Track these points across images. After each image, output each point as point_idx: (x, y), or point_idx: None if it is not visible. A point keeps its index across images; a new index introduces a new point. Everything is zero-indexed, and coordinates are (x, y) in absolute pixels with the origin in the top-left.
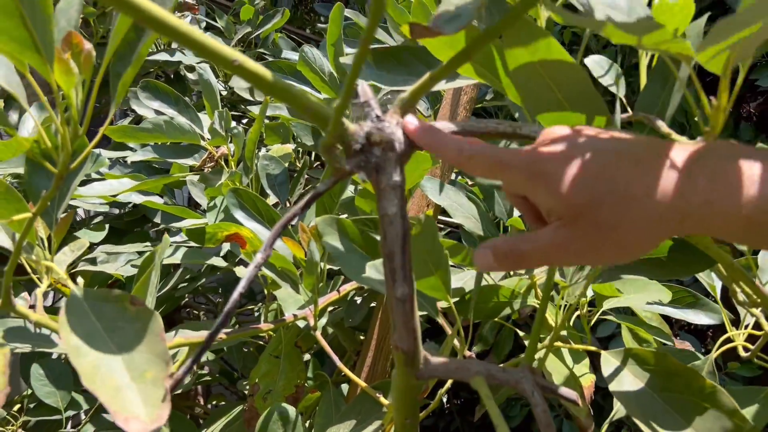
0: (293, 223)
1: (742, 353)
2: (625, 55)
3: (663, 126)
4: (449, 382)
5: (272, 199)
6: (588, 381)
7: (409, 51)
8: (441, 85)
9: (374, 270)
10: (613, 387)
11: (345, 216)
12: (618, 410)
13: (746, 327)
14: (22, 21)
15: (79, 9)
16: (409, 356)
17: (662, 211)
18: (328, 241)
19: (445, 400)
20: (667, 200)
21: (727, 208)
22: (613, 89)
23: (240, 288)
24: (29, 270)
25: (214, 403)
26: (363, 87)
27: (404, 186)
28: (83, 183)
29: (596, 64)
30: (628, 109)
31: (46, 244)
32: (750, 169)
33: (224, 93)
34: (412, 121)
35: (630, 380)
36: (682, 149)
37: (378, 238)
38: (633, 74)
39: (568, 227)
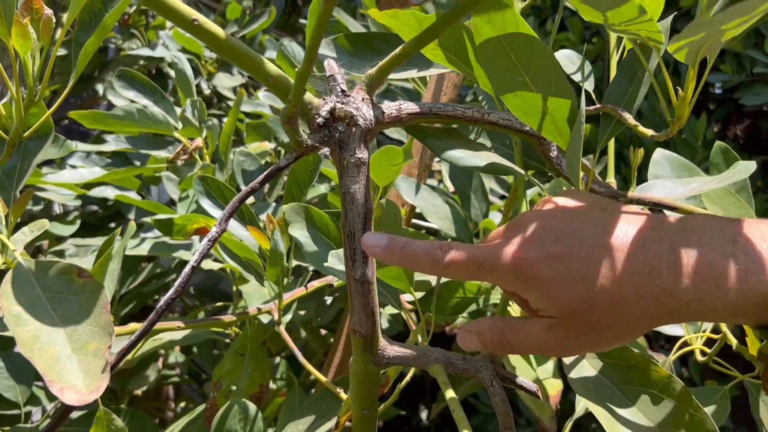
0: (262, 216)
1: (699, 357)
2: (598, 57)
3: (629, 118)
4: (409, 375)
5: (249, 199)
6: (555, 389)
7: (382, 37)
8: (413, 73)
9: (336, 258)
10: (572, 378)
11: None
12: (580, 410)
13: (704, 331)
14: None
15: None
16: (367, 341)
17: (654, 309)
18: (295, 229)
19: (424, 416)
20: (658, 300)
21: (715, 303)
22: (587, 85)
23: (193, 261)
24: None
25: (182, 404)
26: (329, 62)
27: (368, 164)
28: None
29: (566, 58)
30: (596, 101)
31: (3, 221)
32: (733, 261)
33: (207, 92)
34: (374, 243)
35: (589, 372)
36: (665, 235)
37: None
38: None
39: (562, 327)
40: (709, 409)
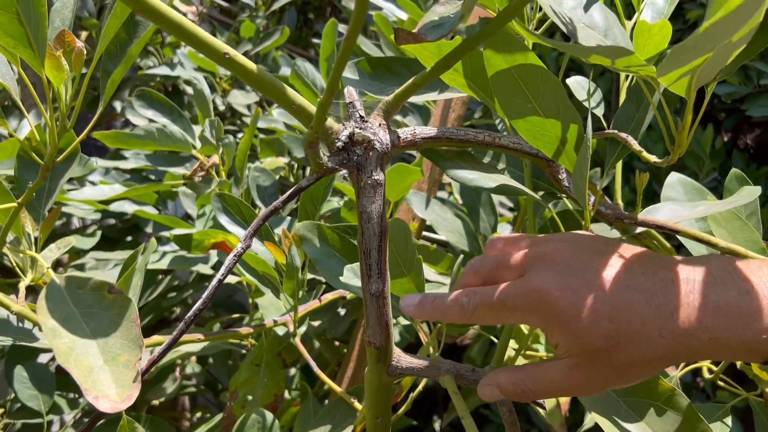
0: (278, 230)
1: (707, 375)
2: (612, 81)
3: (634, 143)
4: (421, 385)
5: (263, 211)
6: (564, 397)
7: (400, 62)
8: (433, 96)
9: (351, 273)
10: None
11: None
12: (588, 421)
13: None
14: (17, 17)
15: (73, 10)
16: (381, 352)
17: (675, 349)
18: (309, 246)
19: (437, 427)
20: (679, 339)
21: (731, 341)
22: (596, 110)
23: (219, 275)
24: (14, 265)
25: (198, 415)
26: (349, 89)
27: (384, 185)
28: (76, 190)
29: (577, 84)
30: (605, 123)
31: (32, 239)
32: (748, 300)
33: (222, 108)
34: (410, 303)
35: None
36: (684, 276)
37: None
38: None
39: (584, 368)
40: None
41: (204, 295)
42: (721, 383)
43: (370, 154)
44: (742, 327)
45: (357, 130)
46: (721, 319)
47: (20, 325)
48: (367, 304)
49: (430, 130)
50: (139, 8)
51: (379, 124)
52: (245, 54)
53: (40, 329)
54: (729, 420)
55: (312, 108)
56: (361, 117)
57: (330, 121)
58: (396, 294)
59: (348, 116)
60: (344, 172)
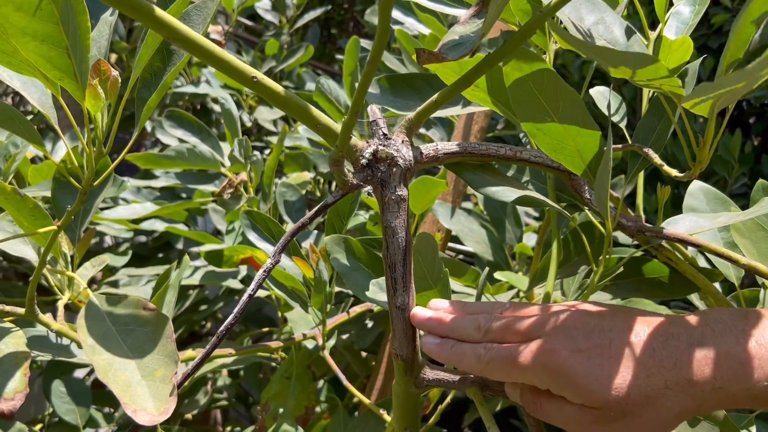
0: (305, 245)
1: None
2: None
3: (655, 157)
4: (449, 397)
5: (290, 226)
6: None
7: (422, 78)
8: (456, 111)
9: (377, 287)
10: None
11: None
12: None
13: None
14: (66, 51)
15: (108, 38)
16: (408, 364)
17: (681, 402)
18: (336, 260)
19: None
20: (684, 390)
21: (734, 390)
22: (618, 122)
23: (250, 290)
24: (53, 284)
25: (230, 428)
26: (372, 108)
27: (407, 200)
28: (108, 208)
29: (600, 94)
30: (627, 135)
31: (69, 259)
32: (747, 349)
33: (249, 125)
34: (431, 342)
35: None
36: (682, 330)
37: None
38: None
39: (596, 410)
40: None
41: (235, 311)
42: None
43: (394, 170)
44: (743, 376)
45: (381, 148)
46: (722, 368)
47: (59, 341)
48: (393, 317)
49: (452, 146)
50: (172, 37)
51: (402, 141)
52: (270, 71)
53: (79, 346)
54: (754, 429)
55: (337, 128)
56: (384, 134)
57: (355, 140)
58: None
59: (372, 134)
60: (369, 188)
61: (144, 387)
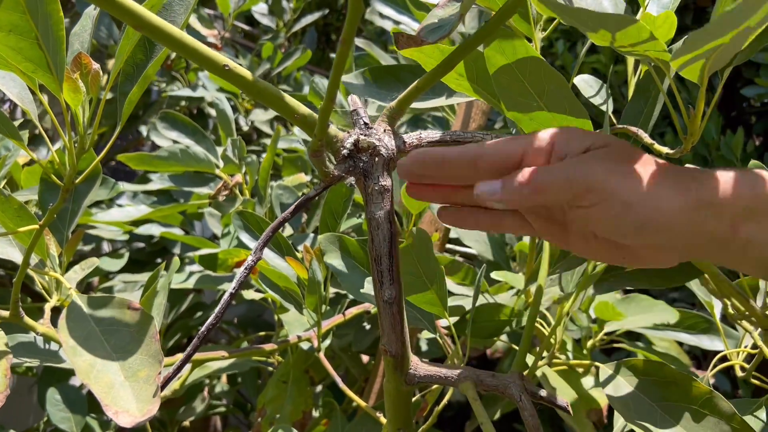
0: (300, 248)
1: (739, 373)
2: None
3: (645, 136)
4: (446, 398)
5: (288, 230)
6: (604, 401)
7: (407, 69)
8: (440, 102)
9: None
10: (611, 396)
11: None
12: (618, 428)
13: (746, 347)
14: (36, 42)
15: (91, 33)
16: (398, 360)
17: (693, 217)
18: (330, 258)
19: None
20: (698, 208)
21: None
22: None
23: (231, 289)
24: (41, 287)
25: None
26: (352, 97)
27: (392, 191)
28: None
29: (584, 83)
30: (614, 122)
31: (57, 261)
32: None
33: (246, 128)
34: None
35: (627, 390)
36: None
37: None
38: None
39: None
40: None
41: (216, 310)
42: (755, 381)
43: (376, 159)
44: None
45: (362, 137)
46: (756, 212)
47: (47, 346)
48: (381, 311)
49: (435, 134)
50: (138, 25)
51: (384, 130)
52: (267, 74)
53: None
54: (763, 414)
55: (315, 117)
56: (365, 124)
57: (335, 130)
58: (419, 306)
59: (353, 123)
60: (351, 179)
61: (127, 388)
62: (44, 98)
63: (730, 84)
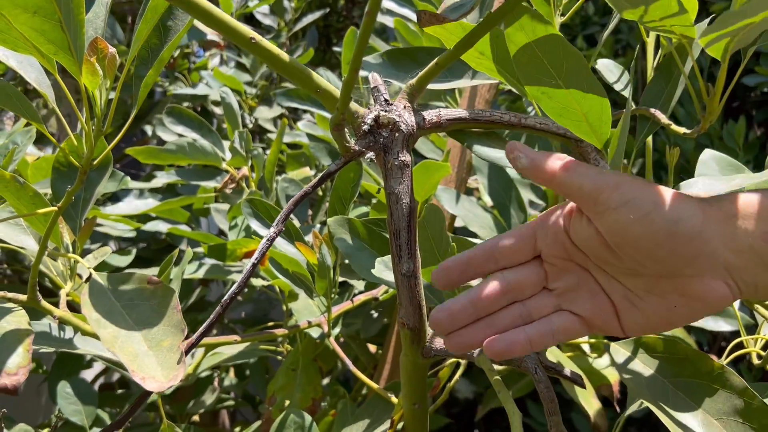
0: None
1: (756, 360)
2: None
3: (663, 117)
4: (458, 374)
5: (295, 222)
6: (615, 377)
7: (425, 51)
8: (465, 83)
9: (383, 265)
10: (624, 375)
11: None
12: (633, 405)
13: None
14: (59, 24)
15: (105, 19)
16: (415, 333)
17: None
18: (340, 241)
19: None
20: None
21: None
22: (625, 92)
23: (254, 259)
24: (55, 275)
25: (238, 429)
26: (373, 75)
27: (411, 166)
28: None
29: (605, 67)
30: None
31: (71, 249)
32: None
33: (250, 126)
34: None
35: (641, 368)
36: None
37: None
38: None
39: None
40: None
41: (239, 280)
42: None
43: (396, 135)
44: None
45: (382, 113)
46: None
47: (62, 334)
48: (399, 285)
49: (456, 112)
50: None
51: (404, 107)
52: (270, 72)
53: (83, 333)
54: None
55: (336, 92)
56: (386, 100)
57: (356, 106)
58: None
59: (374, 100)
60: (371, 154)
61: (151, 357)
62: (63, 85)
63: (731, 74)
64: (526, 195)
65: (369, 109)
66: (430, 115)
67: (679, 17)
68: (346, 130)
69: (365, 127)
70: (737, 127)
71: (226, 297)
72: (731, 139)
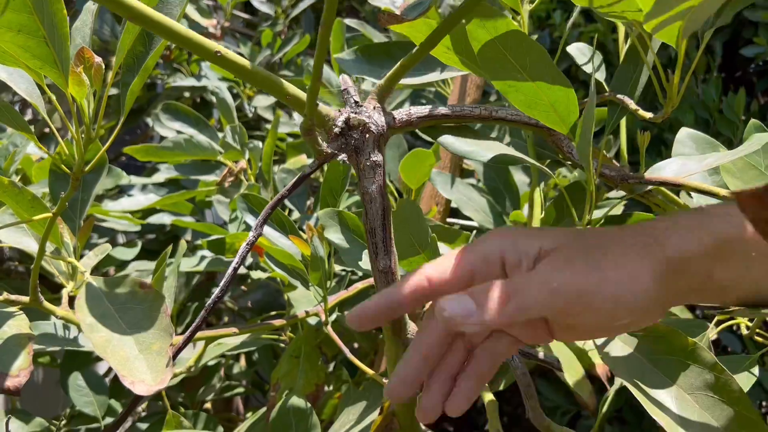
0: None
1: (744, 331)
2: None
3: (631, 103)
4: None
5: (295, 214)
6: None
7: (398, 46)
8: (434, 77)
9: None
10: (605, 355)
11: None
12: (614, 385)
13: None
14: (44, 40)
15: (92, 27)
16: (395, 326)
17: (640, 241)
18: (330, 233)
19: None
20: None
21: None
22: (597, 75)
23: (234, 264)
24: (57, 274)
25: (249, 414)
26: (343, 77)
27: (383, 165)
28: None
29: (578, 50)
30: (606, 89)
31: (71, 249)
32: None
33: (250, 115)
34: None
35: (620, 347)
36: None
37: None
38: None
39: (560, 253)
40: (740, 377)
41: (221, 284)
42: (758, 338)
43: (367, 136)
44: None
45: (352, 115)
46: (722, 256)
47: (67, 333)
48: (377, 281)
49: (425, 109)
50: (129, 15)
51: (374, 108)
52: (267, 61)
53: (81, 330)
54: (756, 370)
55: (305, 97)
56: (356, 102)
57: (326, 109)
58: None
59: (344, 102)
60: (343, 156)
61: (141, 360)
62: (52, 96)
63: (731, 45)
64: (520, 177)
65: (339, 111)
66: (400, 114)
67: (626, 2)
68: (318, 132)
69: (336, 129)
70: (737, 99)
71: (209, 302)
72: (731, 111)
